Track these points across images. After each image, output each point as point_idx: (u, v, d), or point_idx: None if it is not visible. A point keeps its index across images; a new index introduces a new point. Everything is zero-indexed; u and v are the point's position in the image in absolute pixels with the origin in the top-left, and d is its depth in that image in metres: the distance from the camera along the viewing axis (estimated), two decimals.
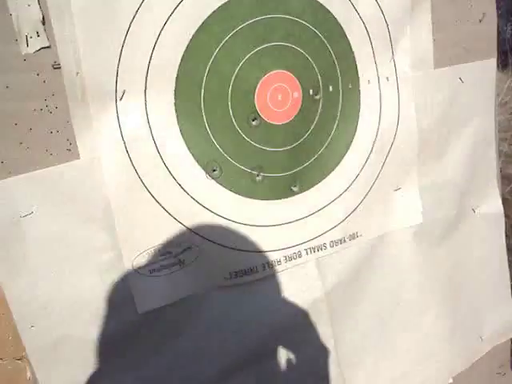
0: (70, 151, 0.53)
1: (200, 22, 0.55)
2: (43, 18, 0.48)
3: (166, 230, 0.58)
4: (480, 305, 0.81)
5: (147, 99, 0.54)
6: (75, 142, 0.53)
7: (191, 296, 0.61)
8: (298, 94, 0.61)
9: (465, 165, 0.75)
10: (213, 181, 0.59)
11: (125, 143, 0.55)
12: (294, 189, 0.63)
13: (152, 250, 0.58)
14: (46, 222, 0.52)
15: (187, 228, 0.59)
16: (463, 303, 0.79)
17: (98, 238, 0.55)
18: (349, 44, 0.63)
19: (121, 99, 0.54)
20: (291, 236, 0.64)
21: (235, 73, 0.57)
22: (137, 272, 0.58)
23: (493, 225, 0.80)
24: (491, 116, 0.76)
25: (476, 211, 0.78)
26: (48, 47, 0.49)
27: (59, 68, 0.50)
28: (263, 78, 0.58)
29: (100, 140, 0.53)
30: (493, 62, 0.75)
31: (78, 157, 0.53)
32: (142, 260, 0.58)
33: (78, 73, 0.51)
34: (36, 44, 0.49)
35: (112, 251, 0.56)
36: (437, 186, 0.73)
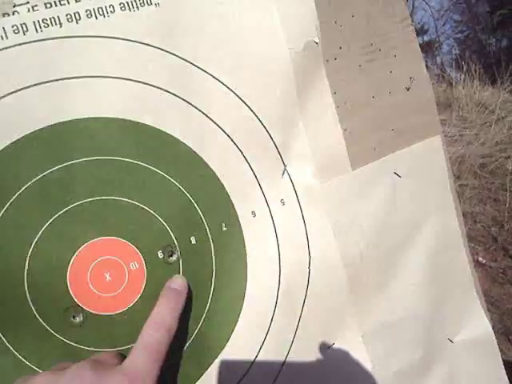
0: None
1: None
2: None
3: None
4: None
5: None
6: None
7: None
8: (137, 264, 0.40)
9: (423, 287, 0.52)
10: None
11: None
12: None
13: None
14: None
15: None
16: None
17: None
18: (211, 171, 0.42)
19: None
20: None
21: (28, 256, 0.36)
22: None
23: (482, 350, 0.56)
24: (450, 209, 0.53)
25: (455, 340, 0.55)
26: None
27: None
28: (75, 256, 0.39)
29: None
30: (437, 139, 0.52)
31: None
32: None
33: None
34: None
35: None
36: (388, 328, 0.50)
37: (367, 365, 0.51)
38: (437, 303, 0.54)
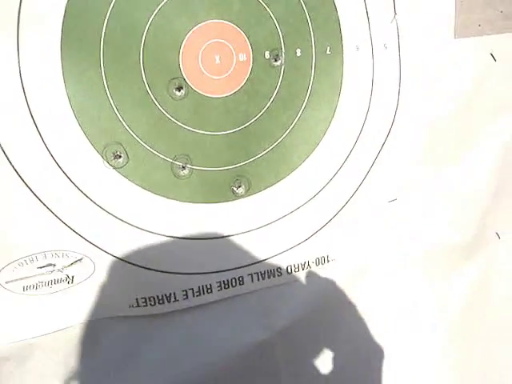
0: None
1: None
2: None
3: (48, 234, 0.41)
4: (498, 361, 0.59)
5: (20, 44, 0.37)
6: None
7: (84, 327, 0.43)
8: (246, 57, 0.42)
9: (490, 173, 0.53)
10: (113, 170, 0.40)
11: None
12: (237, 190, 0.45)
13: (27, 259, 0.41)
14: None
15: (76, 233, 0.41)
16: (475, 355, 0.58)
17: None
18: None
19: None
20: (230, 255, 0.45)
21: (149, 20, 0.39)
22: (4, 288, 0.41)
23: None
24: None
25: (501, 237, 0.56)
26: None
27: None
28: (193, 30, 0.40)
29: None
30: None
31: None
32: (11, 272, 0.41)
33: None
34: None
35: None
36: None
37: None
38: (497, 190, 0.56)
